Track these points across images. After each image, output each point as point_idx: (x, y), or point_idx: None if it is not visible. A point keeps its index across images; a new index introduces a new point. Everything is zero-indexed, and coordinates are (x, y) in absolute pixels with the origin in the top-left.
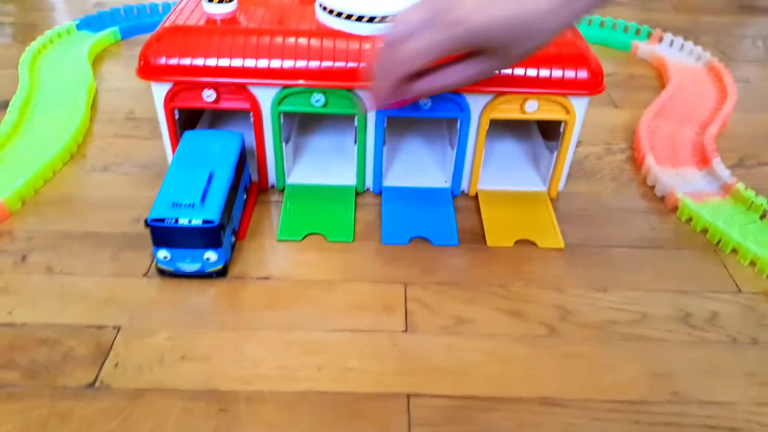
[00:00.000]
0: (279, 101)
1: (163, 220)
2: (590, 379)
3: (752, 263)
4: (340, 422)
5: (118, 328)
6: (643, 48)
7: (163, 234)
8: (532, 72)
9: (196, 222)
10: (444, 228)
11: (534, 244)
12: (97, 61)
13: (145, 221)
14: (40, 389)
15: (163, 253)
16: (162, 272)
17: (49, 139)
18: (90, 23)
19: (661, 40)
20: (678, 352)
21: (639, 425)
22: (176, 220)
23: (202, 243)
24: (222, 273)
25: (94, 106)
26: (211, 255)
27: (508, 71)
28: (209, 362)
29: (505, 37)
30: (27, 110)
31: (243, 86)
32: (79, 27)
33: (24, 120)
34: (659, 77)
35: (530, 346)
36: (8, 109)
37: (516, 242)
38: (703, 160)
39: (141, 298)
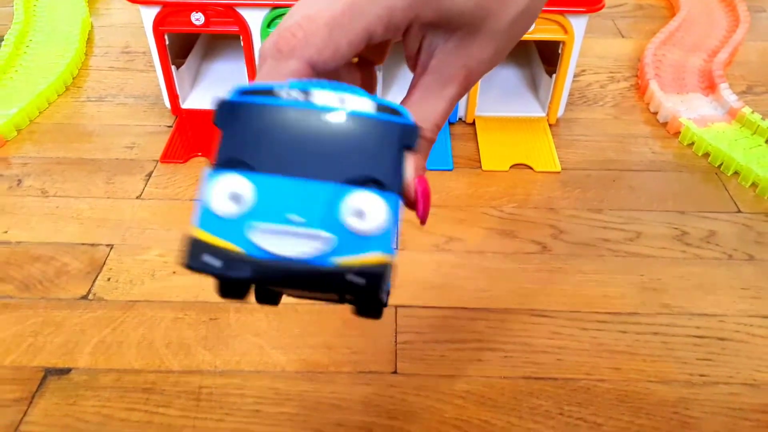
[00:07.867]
0: (269, 23)
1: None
2: (579, 293)
3: (754, 185)
4: (329, 331)
5: (111, 246)
6: None
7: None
8: None
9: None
10: (438, 152)
11: (530, 168)
12: None
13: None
14: (34, 300)
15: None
16: (228, 292)
17: (44, 71)
18: None
19: None
20: (671, 267)
21: (626, 334)
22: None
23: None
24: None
25: (90, 41)
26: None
27: None
28: (200, 277)
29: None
30: (22, 44)
31: (231, 8)
32: None
33: (19, 53)
34: (669, 7)
35: (520, 263)
36: (3, 42)
37: (512, 166)
38: (710, 86)
39: (134, 219)
